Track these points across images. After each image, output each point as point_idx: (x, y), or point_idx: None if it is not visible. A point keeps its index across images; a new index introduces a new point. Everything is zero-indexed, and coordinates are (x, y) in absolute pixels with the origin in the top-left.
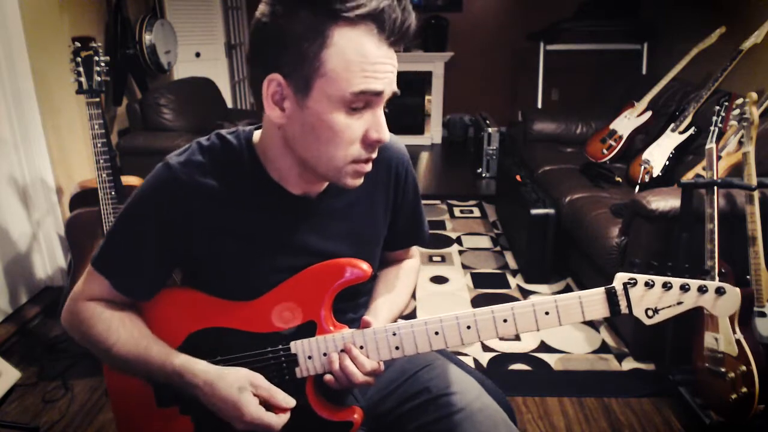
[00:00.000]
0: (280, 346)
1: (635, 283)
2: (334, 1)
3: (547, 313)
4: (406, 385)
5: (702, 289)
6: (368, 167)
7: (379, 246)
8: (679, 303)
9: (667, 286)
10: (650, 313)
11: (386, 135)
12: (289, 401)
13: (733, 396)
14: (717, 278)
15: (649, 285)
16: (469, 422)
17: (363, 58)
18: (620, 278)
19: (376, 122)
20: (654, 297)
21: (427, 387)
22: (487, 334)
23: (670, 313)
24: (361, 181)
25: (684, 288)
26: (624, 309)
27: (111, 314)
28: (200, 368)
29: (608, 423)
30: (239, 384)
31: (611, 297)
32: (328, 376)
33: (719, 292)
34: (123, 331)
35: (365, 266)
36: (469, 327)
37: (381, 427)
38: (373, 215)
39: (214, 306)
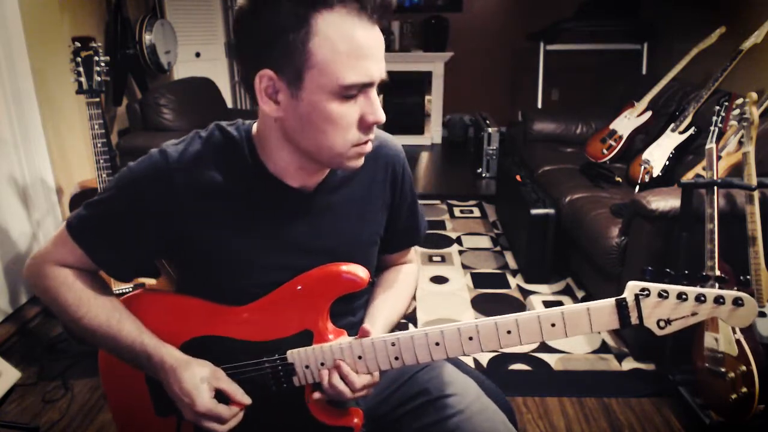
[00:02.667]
0: (277, 356)
1: (648, 294)
2: None
3: (553, 325)
4: (405, 386)
5: (719, 300)
6: (368, 147)
7: (375, 246)
8: (694, 314)
9: (682, 297)
10: (662, 324)
11: (382, 116)
12: (246, 399)
13: (733, 396)
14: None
15: (663, 296)
16: (469, 424)
17: (350, 44)
18: (632, 288)
19: (371, 105)
20: (667, 308)
21: (427, 388)
22: (489, 345)
23: (683, 324)
24: (362, 161)
25: (700, 299)
26: (635, 320)
27: (82, 285)
28: (169, 352)
29: (608, 423)
30: (201, 375)
31: (621, 309)
32: (316, 395)
33: (736, 303)
34: (94, 303)
35: (363, 273)
36: (471, 338)
37: (380, 429)
38: (370, 213)
39: (209, 313)
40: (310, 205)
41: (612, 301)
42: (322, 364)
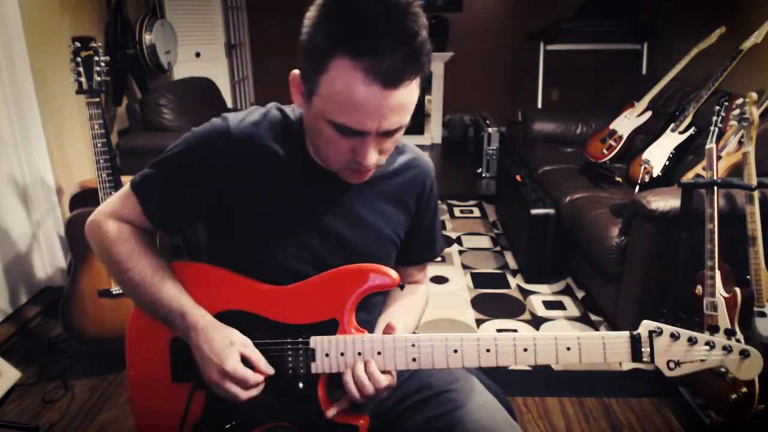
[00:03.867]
0: (300, 339)
1: (661, 333)
2: (343, 29)
3: (568, 349)
4: (408, 381)
5: (727, 349)
6: (367, 173)
7: (395, 246)
8: (702, 360)
9: (692, 341)
10: (672, 365)
11: (368, 162)
12: (270, 369)
13: (733, 396)
14: (717, 264)
15: (674, 337)
16: (470, 418)
17: (348, 95)
18: (646, 326)
19: (361, 149)
20: (678, 350)
21: (429, 383)
22: (505, 359)
23: (691, 369)
24: (362, 180)
25: (709, 345)
26: (646, 357)
27: (136, 240)
28: (203, 314)
29: (608, 423)
30: (231, 339)
31: (635, 343)
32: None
33: (743, 354)
34: (143, 258)
35: (394, 274)
36: (488, 350)
37: (382, 424)
38: (396, 214)
39: (241, 288)
40: (343, 193)
41: (627, 334)
42: (342, 354)
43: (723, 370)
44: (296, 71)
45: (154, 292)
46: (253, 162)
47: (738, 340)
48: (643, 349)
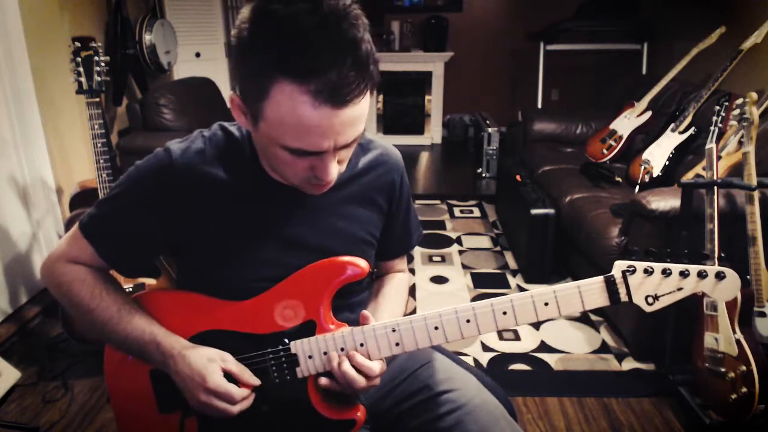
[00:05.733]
0: (281, 347)
1: (634, 271)
2: (279, 50)
3: (546, 304)
4: (407, 383)
5: (702, 274)
6: (328, 185)
7: (372, 246)
8: (679, 289)
9: (666, 273)
10: (650, 300)
11: (330, 178)
12: (254, 380)
13: (733, 396)
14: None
15: (648, 272)
16: (470, 418)
17: (296, 120)
18: (619, 266)
19: (320, 166)
20: (653, 284)
21: (428, 384)
22: (486, 327)
23: (670, 300)
24: (324, 191)
25: (683, 274)
26: (624, 297)
27: (94, 279)
28: (177, 339)
29: (608, 423)
30: (209, 356)
31: (610, 285)
32: (324, 380)
33: (719, 276)
34: (106, 296)
35: (363, 263)
36: (468, 321)
37: (382, 426)
38: (366, 215)
39: (213, 308)
40: (306, 204)
41: (601, 278)
42: (325, 353)
43: (700, 293)
44: (235, 94)
45: (123, 329)
46: (201, 191)
47: (738, 340)
48: (619, 290)
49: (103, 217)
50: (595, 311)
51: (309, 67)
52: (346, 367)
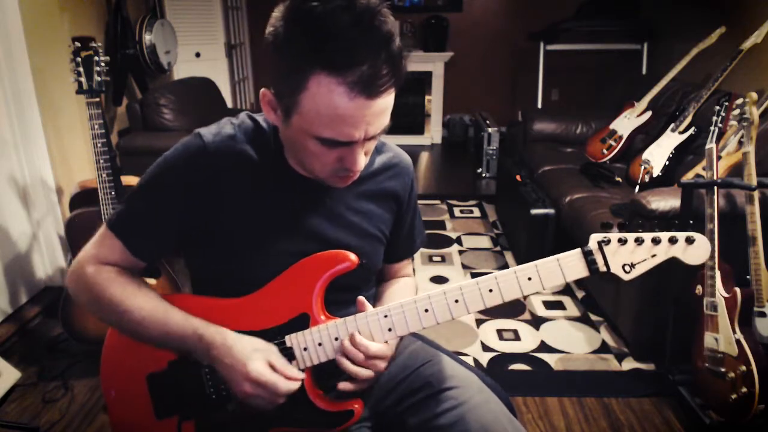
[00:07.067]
0: (275, 341)
1: (609, 242)
2: (316, 45)
3: (529, 279)
4: (408, 380)
5: (673, 240)
6: (354, 177)
7: (382, 244)
8: (653, 255)
9: (639, 241)
10: (627, 268)
11: (358, 168)
12: (299, 374)
13: (733, 396)
14: (717, 264)
15: (621, 241)
16: (471, 415)
17: (332, 111)
18: (594, 238)
19: (350, 156)
20: (628, 252)
21: (429, 382)
22: (475, 305)
23: (646, 267)
24: (348, 183)
25: (655, 241)
26: (602, 266)
27: (127, 280)
28: (218, 329)
29: (608, 423)
30: (255, 346)
31: (587, 255)
32: (343, 385)
33: (689, 241)
34: (140, 295)
35: (352, 256)
36: (457, 300)
37: (384, 423)
38: (378, 213)
39: (208, 309)
40: (326, 198)
41: (578, 250)
42: (320, 344)
43: (670, 257)
44: (267, 90)
45: (161, 325)
46: (235, 174)
47: (738, 340)
48: (597, 259)
49: (134, 211)
50: (596, 311)
51: (346, 60)
52: (346, 344)
